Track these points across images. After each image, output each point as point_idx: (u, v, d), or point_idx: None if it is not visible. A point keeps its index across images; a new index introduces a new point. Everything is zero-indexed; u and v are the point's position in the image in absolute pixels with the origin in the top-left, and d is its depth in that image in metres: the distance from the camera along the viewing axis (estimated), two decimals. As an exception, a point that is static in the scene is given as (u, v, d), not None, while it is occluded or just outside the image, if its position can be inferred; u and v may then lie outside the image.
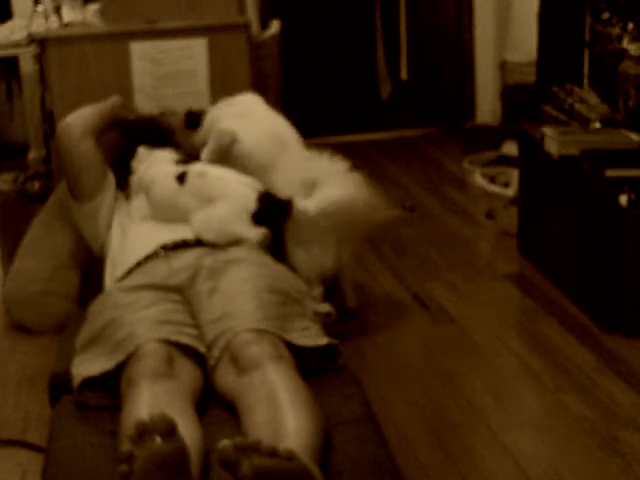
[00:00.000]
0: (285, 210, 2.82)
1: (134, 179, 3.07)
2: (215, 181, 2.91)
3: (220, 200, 2.83)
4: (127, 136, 3.23)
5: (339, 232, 3.01)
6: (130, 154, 3.12)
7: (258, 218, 2.79)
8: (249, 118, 3.23)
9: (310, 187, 2.99)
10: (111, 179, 3.15)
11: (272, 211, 2.82)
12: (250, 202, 2.81)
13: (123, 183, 3.14)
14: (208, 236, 2.77)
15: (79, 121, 3.13)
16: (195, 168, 2.97)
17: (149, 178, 3.00)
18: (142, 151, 3.10)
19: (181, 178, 2.91)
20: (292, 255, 2.94)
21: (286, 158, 3.14)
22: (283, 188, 2.96)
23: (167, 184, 2.93)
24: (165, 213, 2.92)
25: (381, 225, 3.08)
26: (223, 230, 2.77)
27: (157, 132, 3.24)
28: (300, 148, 3.21)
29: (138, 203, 3.02)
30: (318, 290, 2.96)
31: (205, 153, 3.13)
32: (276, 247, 2.82)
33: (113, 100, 3.29)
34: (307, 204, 2.88)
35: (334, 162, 3.11)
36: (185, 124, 3.28)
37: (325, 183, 2.99)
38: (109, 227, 3.07)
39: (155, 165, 3.02)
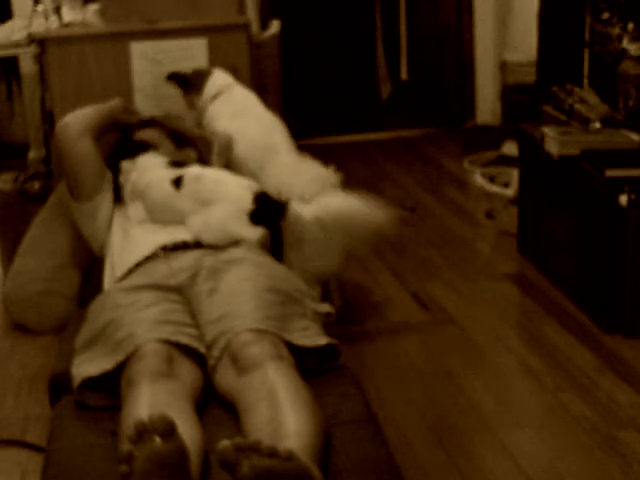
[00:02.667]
0: (281, 211, 2.82)
1: (126, 188, 3.05)
2: (211, 184, 2.90)
3: (217, 202, 2.83)
4: (125, 140, 3.23)
5: (335, 238, 2.99)
6: (128, 151, 3.11)
7: (255, 217, 2.79)
8: (243, 119, 3.24)
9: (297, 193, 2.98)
10: (110, 179, 3.15)
11: (269, 211, 2.82)
12: (247, 202, 2.81)
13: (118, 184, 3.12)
14: (207, 238, 2.76)
15: (78, 120, 3.13)
16: (191, 172, 2.96)
17: (144, 184, 2.98)
18: (125, 165, 3.06)
19: (177, 182, 2.90)
20: (286, 255, 2.93)
21: (276, 162, 3.14)
22: (272, 192, 2.95)
23: (163, 188, 2.92)
24: (163, 216, 2.91)
25: (379, 235, 3.02)
26: (222, 231, 2.76)
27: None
28: (291, 152, 3.22)
29: (135, 208, 3.01)
30: (316, 291, 2.95)
31: (214, 159, 3.16)
32: (275, 247, 2.81)
33: (114, 102, 3.29)
34: (303, 209, 2.86)
35: (320, 167, 3.12)
36: (192, 84, 3.30)
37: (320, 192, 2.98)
38: (109, 227, 3.07)
39: (148, 171, 3.01)
